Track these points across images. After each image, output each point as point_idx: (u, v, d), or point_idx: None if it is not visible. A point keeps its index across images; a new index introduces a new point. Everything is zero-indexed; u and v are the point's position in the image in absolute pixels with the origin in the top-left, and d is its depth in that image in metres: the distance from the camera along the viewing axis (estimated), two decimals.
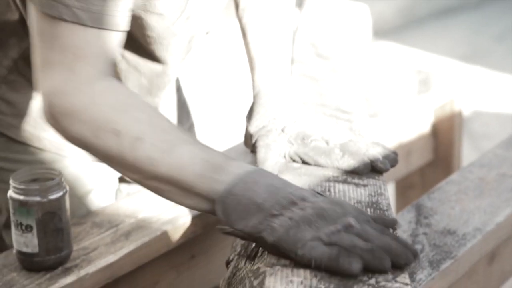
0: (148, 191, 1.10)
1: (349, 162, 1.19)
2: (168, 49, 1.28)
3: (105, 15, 1.08)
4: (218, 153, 1.06)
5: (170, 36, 1.25)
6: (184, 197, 1.06)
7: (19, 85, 1.32)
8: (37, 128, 1.33)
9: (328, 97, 1.44)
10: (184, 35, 1.28)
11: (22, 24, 1.27)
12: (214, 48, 4.33)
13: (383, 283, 0.92)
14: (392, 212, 1.10)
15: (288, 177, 1.18)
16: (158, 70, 1.32)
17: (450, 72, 2.86)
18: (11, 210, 1.16)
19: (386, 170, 1.19)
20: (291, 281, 0.93)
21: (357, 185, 1.15)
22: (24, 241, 1.16)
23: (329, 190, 1.13)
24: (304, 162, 1.22)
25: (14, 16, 1.28)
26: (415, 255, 0.96)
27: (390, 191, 1.28)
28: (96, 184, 1.40)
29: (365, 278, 0.93)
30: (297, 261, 0.95)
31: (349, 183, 1.16)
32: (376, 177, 1.18)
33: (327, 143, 1.21)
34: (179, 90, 1.59)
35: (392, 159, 1.20)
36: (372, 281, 0.93)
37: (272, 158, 1.20)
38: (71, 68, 1.08)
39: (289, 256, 0.95)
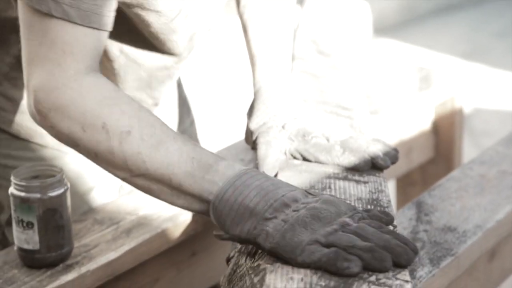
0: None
1: (349, 159, 1.19)
2: (168, 44, 1.28)
3: (94, 14, 1.08)
4: (207, 151, 1.06)
5: (169, 32, 1.25)
6: (175, 197, 1.06)
7: (21, 82, 1.31)
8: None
9: (328, 94, 1.44)
10: (184, 32, 1.28)
11: None
12: (215, 44, 4.33)
13: (383, 280, 0.93)
14: (393, 209, 1.10)
15: (288, 174, 1.18)
16: (158, 62, 1.32)
17: (451, 69, 2.86)
18: (12, 207, 1.16)
19: (387, 167, 1.19)
20: (292, 278, 0.93)
21: (357, 182, 1.15)
22: (25, 238, 1.16)
23: (329, 187, 1.14)
24: (304, 159, 1.22)
25: (15, 13, 1.28)
26: (415, 252, 0.96)
27: (390, 188, 1.28)
28: (98, 182, 1.40)
29: (365, 275, 0.93)
30: (297, 266, 0.95)
31: (349, 180, 1.16)
32: (377, 174, 1.18)
33: (328, 140, 1.21)
34: (179, 86, 1.59)
35: (392, 156, 1.20)
36: (373, 278, 0.93)
37: (273, 155, 1.20)
38: (59, 64, 1.07)
39: (288, 262, 0.95)
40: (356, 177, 1.17)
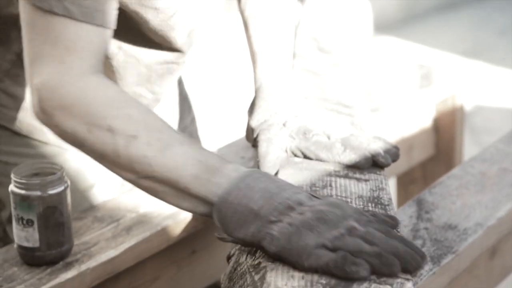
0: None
1: (350, 157, 1.18)
2: (167, 40, 1.27)
3: (97, 11, 1.07)
4: (213, 154, 1.06)
5: (168, 29, 1.25)
6: (180, 199, 1.05)
7: (22, 78, 1.31)
8: None
9: (329, 92, 1.44)
10: (183, 29, 1.28)
11: None
12: (216, 42, 4.33)
13: (384, 278, 0.92)
14: (394, 207, 1.10)
15: (289, 171, 1.18)
16: (157, 58, 1.31)
17: (452, 67, 2.86)
18: (12, 205, 1.16)
19: (388, 164, 1.19)
20: (292, 276, 0.93)
21: (358, 179, 1.15)
22: (25, 235, 1.16)
23: (330, 185, 1.13)
24: (305, 157, 1.22)
25: (16, 10, 1.28)
26: (423, 258, 0.94)
27: (391, 185, 1.28)
28: (99, 179, 1.40)
29: None
30: (304, 271, 0.94)
31: (350, 177, 1.16)
32: (378, 172, 1.18)
33: (329, 137, 1.21)
34: (180, 84, 1.59)
35: (393, 153, 1.20)
36: (374, 275, 0.93)
37: (274, 153, 1.20)
38: (63, 61, 1.07)
39: (294, 266, 0.94)
40: (357, 175, 1.17)
